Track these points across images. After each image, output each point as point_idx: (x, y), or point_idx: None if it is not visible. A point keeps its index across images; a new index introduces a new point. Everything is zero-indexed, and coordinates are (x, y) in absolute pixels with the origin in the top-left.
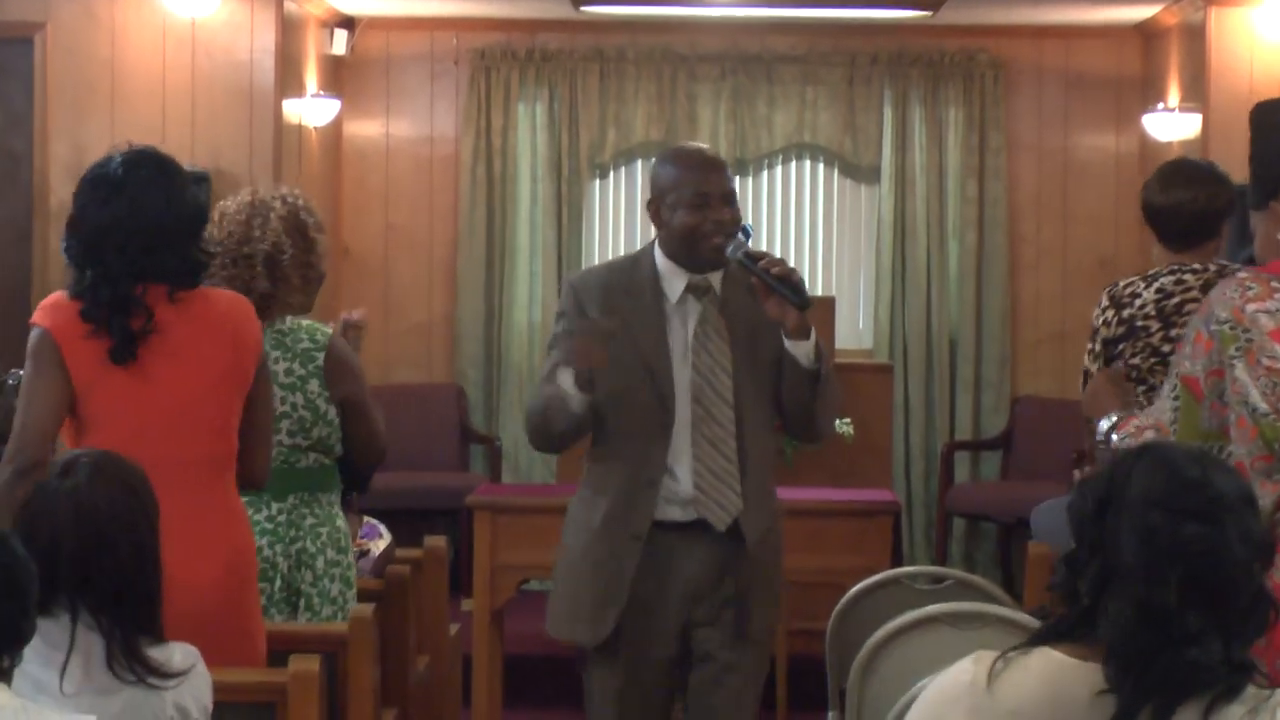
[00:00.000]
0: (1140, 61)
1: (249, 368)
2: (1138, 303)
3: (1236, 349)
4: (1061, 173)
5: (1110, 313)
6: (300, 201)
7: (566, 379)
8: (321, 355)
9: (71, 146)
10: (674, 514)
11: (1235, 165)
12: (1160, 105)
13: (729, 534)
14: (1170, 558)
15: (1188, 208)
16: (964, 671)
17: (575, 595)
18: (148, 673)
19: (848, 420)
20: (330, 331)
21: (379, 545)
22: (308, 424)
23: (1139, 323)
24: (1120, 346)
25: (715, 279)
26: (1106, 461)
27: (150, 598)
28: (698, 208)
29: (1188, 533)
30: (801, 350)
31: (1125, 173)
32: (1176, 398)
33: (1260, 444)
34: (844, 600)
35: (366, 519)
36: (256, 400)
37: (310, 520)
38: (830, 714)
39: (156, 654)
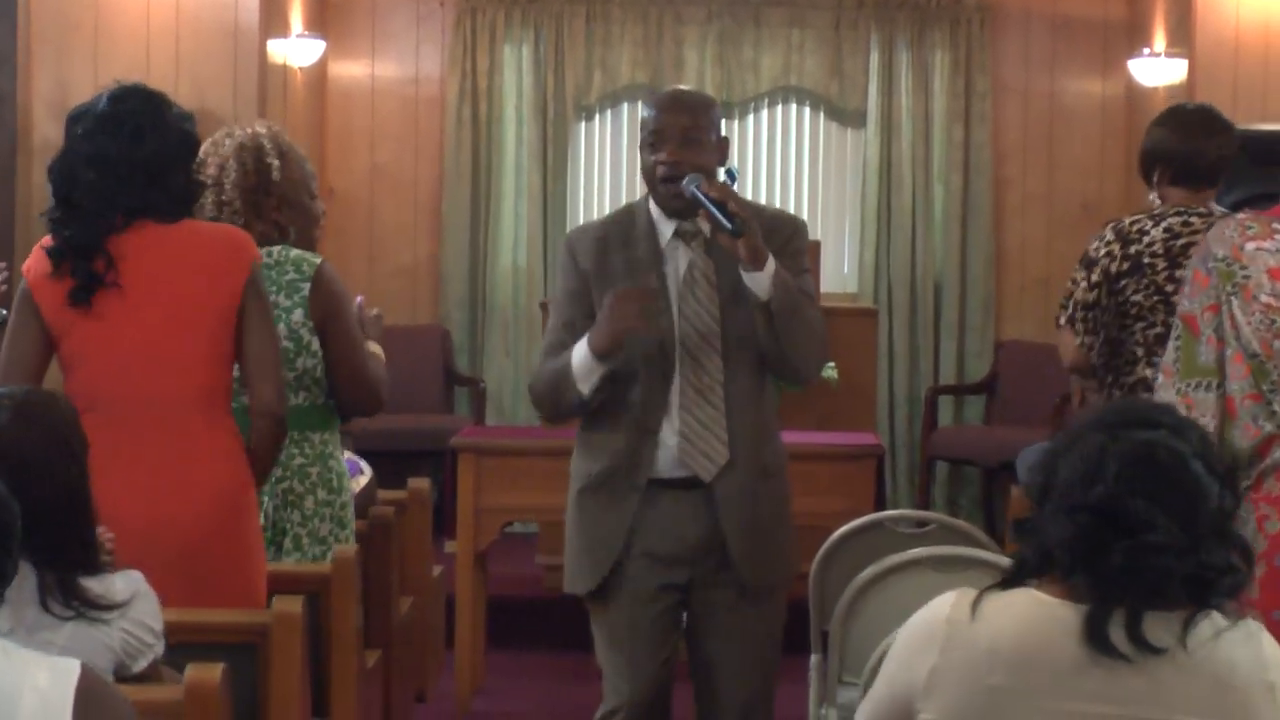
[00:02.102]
0: (1126, 6)
1: (228, 301)
2: (1145, 239)
3: (1234, 285)
4: (1047, 117)
5: (1116, 247)
6: (266, 132)
7: (580, 355)
8: (307, 285)
9: (55, 84)
10: (663, 469)
11: (1223, 110)
12: (1146, 50)
13: (722, 484)
14: (1108, 458)
15: (1213, 154)
16: (942, 606)
17: (573, 548)
18: (86, 606)
19: (832, 364)
20: (318, 261)
21: (359, 482)
22: (290, 355)
23: (1145, 260)
24: (1123, 282)
25: (704, 223)
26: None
27: (83, 537)
28: (652, 146)
29: (1128, 436)
30: (756, 282)
31: (1111, 118)
32: (1178, 337)
33: (1251, 383)
34: (827, 544)
35: (348, 454)
36: (249, 332)
37: (299, 460)
38: (813, 657)
39: (95, 585)
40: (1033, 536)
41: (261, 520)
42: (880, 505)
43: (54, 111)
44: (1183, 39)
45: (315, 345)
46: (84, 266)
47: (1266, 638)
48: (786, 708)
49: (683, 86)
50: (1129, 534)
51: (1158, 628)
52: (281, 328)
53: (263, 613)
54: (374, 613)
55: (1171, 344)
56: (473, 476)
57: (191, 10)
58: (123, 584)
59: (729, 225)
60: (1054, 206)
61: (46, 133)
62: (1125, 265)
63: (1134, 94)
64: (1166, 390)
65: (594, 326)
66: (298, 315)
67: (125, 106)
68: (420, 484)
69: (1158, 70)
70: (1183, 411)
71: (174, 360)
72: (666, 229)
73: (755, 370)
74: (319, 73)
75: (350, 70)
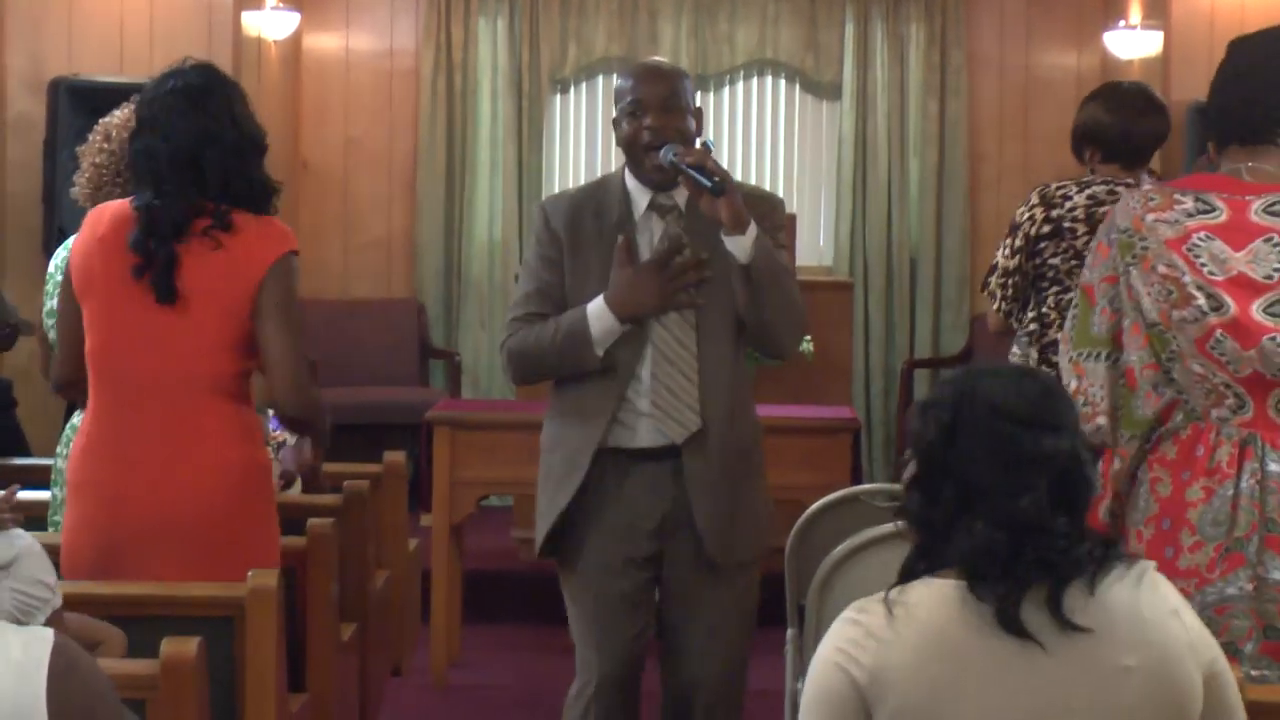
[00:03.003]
0: None
1: (241, 290)
2: (1068, 204)
3: (1133, 256)
4: (1022, 90)
5: (1039, 210)
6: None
7: (601, 319)
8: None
9: (29, 58)
10: (632, 439)
11: (1197, 84)
12: (1121, 23)
13: (691, 458)
14: (1030, 470)
15: (1146, 133)
16: (852, 624)
17: (543, 512)
18: None
19: (808, 338)
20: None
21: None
22: None
23: (1066, 224)
24: (1043, 244)
25: (680, 197)
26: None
27: None
28: (633, 115)
29: (1047, 445)
30: (737, 245)
31: (1086, 91)
32: (1076, 305)
33: (1149, 353)
34: (803, 517)
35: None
36: (263, 324)
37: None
38: (789, 631)
39: None
40: (930, 527)
41: None
42: (856, 479)
43: (27, 86)
44: (1158, 11)
45: None
46: (165, 249)
47: (1155, 574)
48: (763, 681)
49: (657, 58)
50: (1045, 545)
51: (1068, 602)
52: None
53: (238, 586)
54: (350, 586)
55: (1070, 312)
56: (448, 450)
57: None
58: (4, 544)
59: (709, 184)
60: (1029, 180)
61: (20, 107)
62: (1046, 229)
63: (1109, 67)
64: (1062, 357)
65: (618, 288)
66: None
67: (226, 89)
68: (395, 457)
69: (1133, 43)
70: (1073, 380)
71: (182, 343)
72: (642, 200)
73: (728, 344)
74: (293, 45)
75: (325, 43)
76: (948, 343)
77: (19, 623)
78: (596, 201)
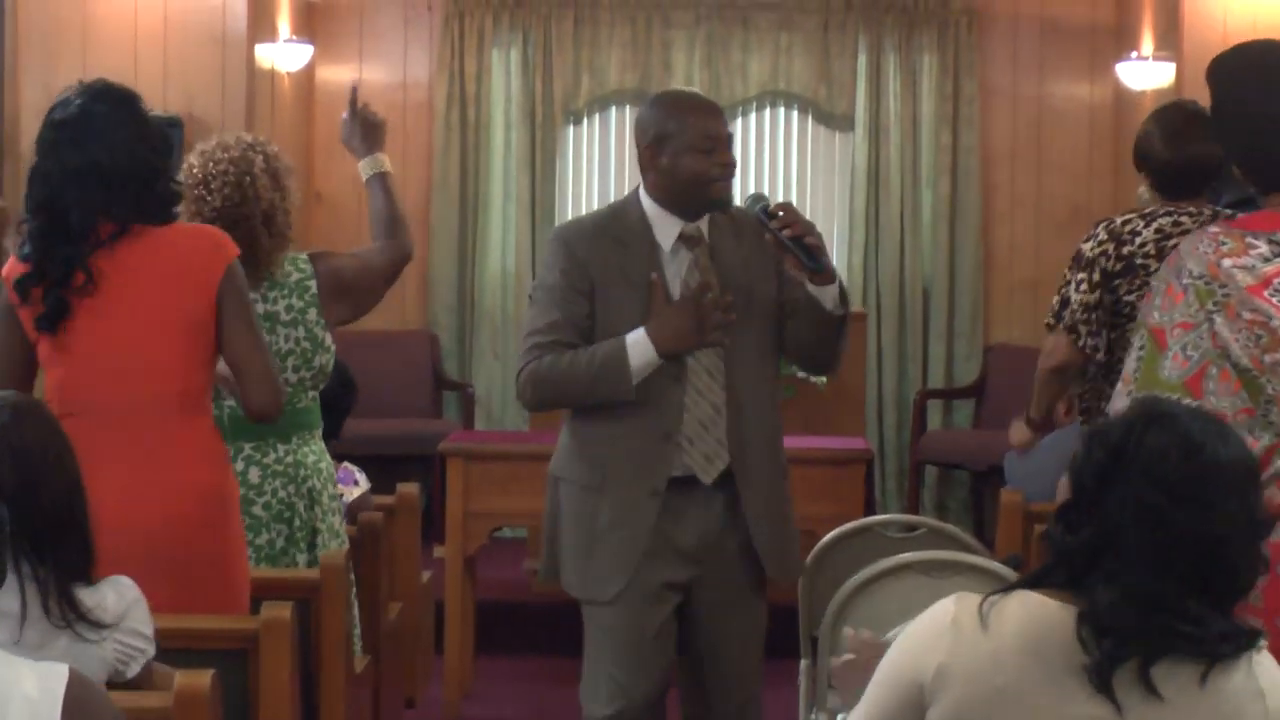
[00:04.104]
0: (1114, 9)
1: (204, 301)
2: (1138, 240)
3: (1214, 303)
4: (1035, 121)
5: (1110, 246)
6: (271, 150)
7: (642, 351)
8: (313, 282)
9: (42, 90)
10: (676, 469)
11: None
12: (1134, 54)
13: (722, 489)
14: (1172, 549)
15: (1204, 163)
16: (945, 611)
17: (579, 547)
18: (79, 620)
19: None
20: (307, 255)
21: (353, 493)
22: (309, 355)
23: (1139, 260)
24: (1117, 281)
25: (704, 226)
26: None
27: (84, 537)
28: (706, 152)
29: (1191, 524)
30: (827, 295)
31: (1099, 121)
32: (1142, 347)
33: (1244, 397)
34: (817, 548)
35: (345, 464)
36: (230, 336)
37: (312, 457)
38: (803, 662)
39: (90, 597)
40: (1064, 558)
41: (296, 522)
42: (869, 509)
43: (42, 118)
44: (1171, 42)
45: (329, 340)
46: (55, 294)
47: (1264, 665)
48: (776, 713)
49: (693, 89)
50: (1171, 622)
51: (1166, 679)
52: (300, 330)
53: (252, 618)
54: (363, 618)
55: (1134, 352)
56: (461, 481)
57: (179, 16)
58: (114, 596)
59: (810, 264)
60: (1042, 210)
61: (34, 139)
62: (1119, 265)
63: (1122, 98)
64: (1120, 399)
65: (658, 324)
66: (312, 314)
67: (101, 109)
68: (409, 489)
69: (1145, 74)
70: None
71: (151, 364)
72: (670, 229)
73: (759, 373)
74: (307, 78)
75: (338, 75)
76: (961, 373)
77: (118, 674)
78: (618, 228)
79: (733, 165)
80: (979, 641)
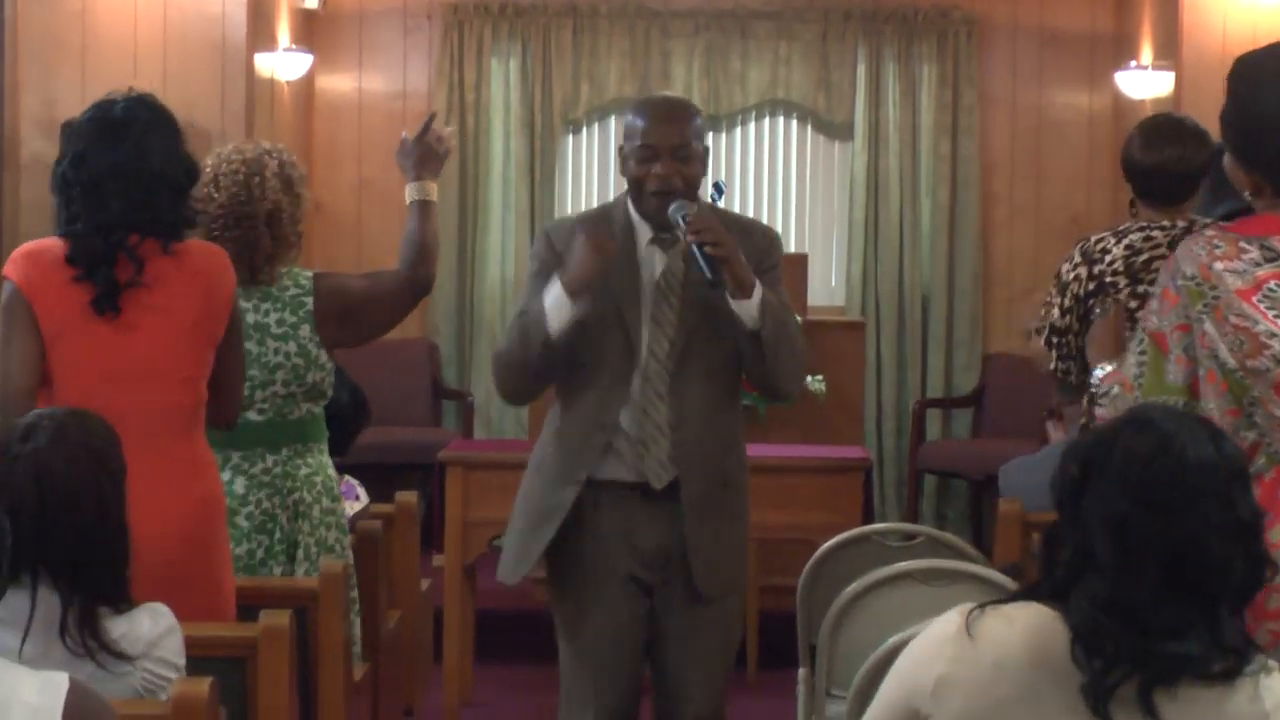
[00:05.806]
0: (1113, 19)
1: (220, 320)
2: (1107, 259)
3: (1204, 305)
4: (1034, 130)
5: (1082, 269)
6: (286, 156)
7: (553, 293)
8: (310, 299)
9: (42, 100)
10: (621, 473)
11: (1209, 123)
12: (1133, 63)
13: (672, 494)
14: (1142, 553)
15: (1172, 168)
16: (950, 622)
17: (512, 537)
18: (101, 650)
19: (820, 377)
20: (312, 273)
21: (354, 507)
22: (301, 371)
23: (1108, 279)
24: (1091, 302)
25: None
26: (1095, 428)
27: (114, 563)
28: (644, 160)
29: (1160, 527)
30: (743, 309)
31: (1098, 131)
32: (1143, 352)
33: (1230, 398)
34: (815, 557)
35: (345, 478)
36: (227, 350)
37: (304, 470)
38: (801, 670)
39: (121, 625)
40: (1050, 574)
41: (277, 534)
42: (868, 518)
43: (41, 128)
44: (1170, 52)
45: (324, 358)
46: (108, 273)
47: (1273, 688)
48: None
49: (669, 93)
50: (1153, 636)
51: (1166, 701)
52: (291, 345)
53: (251, 626)
54: (362, 626)
55: (1134, 357)
56: (460, 490)
57: (178, 25)
58: (149, 623)
59: (708, 276)
60: (1041, 219)
61: (33, 148)
62: (1091, 285)
63: (1121, 107)
64: (1123, 401)
65: (564, 267)
66: (305, 330)
67: (145, 114)
68: (408, 498)
69: (1145, 83)
70: None
71: (164, 375)
72: (644, 232)
73: (716, 382)
74: (306, 87)
75: (338, 84)
76: (960, 382)
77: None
78: (602, 227)
79: (669, 178)
80: (981, 652)
